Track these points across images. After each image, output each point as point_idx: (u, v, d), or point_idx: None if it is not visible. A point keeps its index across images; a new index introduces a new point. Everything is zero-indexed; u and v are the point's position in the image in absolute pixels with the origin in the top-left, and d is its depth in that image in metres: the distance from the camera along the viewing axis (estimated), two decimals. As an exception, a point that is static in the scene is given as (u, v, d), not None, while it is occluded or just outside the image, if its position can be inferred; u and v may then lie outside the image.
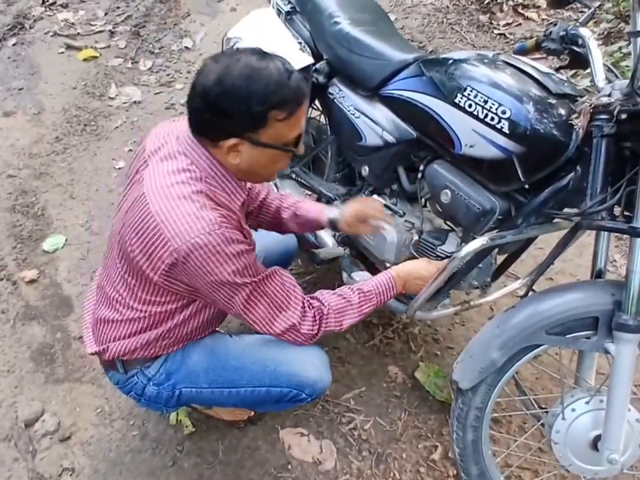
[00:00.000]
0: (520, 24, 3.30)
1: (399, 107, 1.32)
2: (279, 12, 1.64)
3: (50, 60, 3.41)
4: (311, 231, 1.54)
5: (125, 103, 2.98)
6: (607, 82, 1.08)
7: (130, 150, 2.66)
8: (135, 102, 2.98)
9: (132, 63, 3.30)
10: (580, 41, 1.14)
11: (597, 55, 1.10)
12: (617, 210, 1.07)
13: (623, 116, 1.00)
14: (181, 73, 3.16)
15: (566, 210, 1.18)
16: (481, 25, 3.27)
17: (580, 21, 1.19)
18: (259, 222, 1.46)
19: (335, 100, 1.51)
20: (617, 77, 1.13)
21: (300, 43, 1.55)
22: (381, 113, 1.38)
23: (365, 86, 1.42)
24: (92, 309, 1.26)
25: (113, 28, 3.66)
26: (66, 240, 2.20)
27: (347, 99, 1.47)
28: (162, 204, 0.99)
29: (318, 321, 1.15)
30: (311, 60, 1.49)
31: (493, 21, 3.30)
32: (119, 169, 2.55)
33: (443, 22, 3.33)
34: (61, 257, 2.13)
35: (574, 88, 1.14)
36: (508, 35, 3.18)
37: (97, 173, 2.53)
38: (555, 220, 1.19)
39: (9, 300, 1.97)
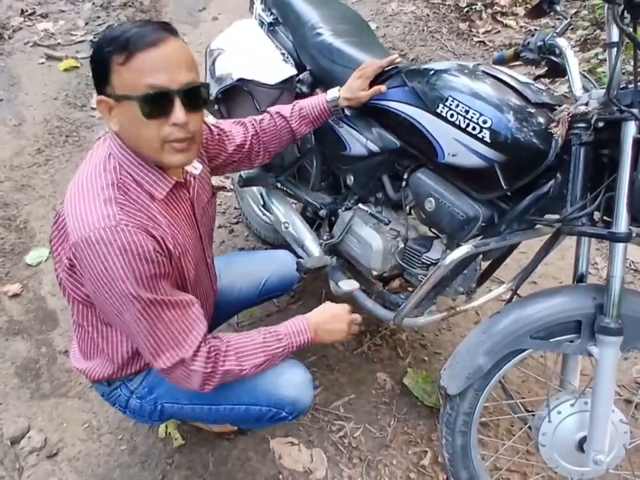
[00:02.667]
0: (499, 31, 3.36)
1: (383, 116, 1.34)
2: (262, 23, 1.65)
3: (30, 70, 3.39)
4: (321, 123, 1.42)
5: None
6: (584, 91, 1.11)
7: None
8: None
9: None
10: (557, 51, 1.16)
11: (574, 65, 1.12)
12: (597, 215, 1.10)
13: (600, 124, 1.03)
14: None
15: (547, 216, 1.20)
16: (460, 32, 3.33)
17: (557, 31, 1.21)
18: (270, 151, 1.40)
19: (319, 110, 1.52)
20: (592, 84, 1.16)
21: (283, 54, 1.56)
22: (365, 122, 1.39)
23: (349, 96, 1.43)
24: None
25: (94, 38, 3.64)
26: (49, 253, 2.17)
27: (330, 109, 1.49)
28: (73, 200, 0.95)
29: (213, 359, 1.02)
30: (294, 71, 1.50)
31: (472, 29, 3.36)
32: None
33: (423, 30, 3.38)
34: (45, 270, 2.11)
35: (552, 97, 1.16)
36: (487, 43, 3.24)
37: (80, 185, 2.51)
38: (537, 226, 1.21)
39: (-8, 314, 1.94)
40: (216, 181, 2.41)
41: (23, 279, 2.07)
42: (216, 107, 1.64)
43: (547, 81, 2.63)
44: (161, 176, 1.01)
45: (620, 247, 1.03)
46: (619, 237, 1.02)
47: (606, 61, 2.76)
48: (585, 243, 1.18)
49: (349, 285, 1.40)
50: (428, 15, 3.51)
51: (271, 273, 1.50)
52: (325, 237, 1.57)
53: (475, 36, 3.30)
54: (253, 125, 1.36)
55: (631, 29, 0.98)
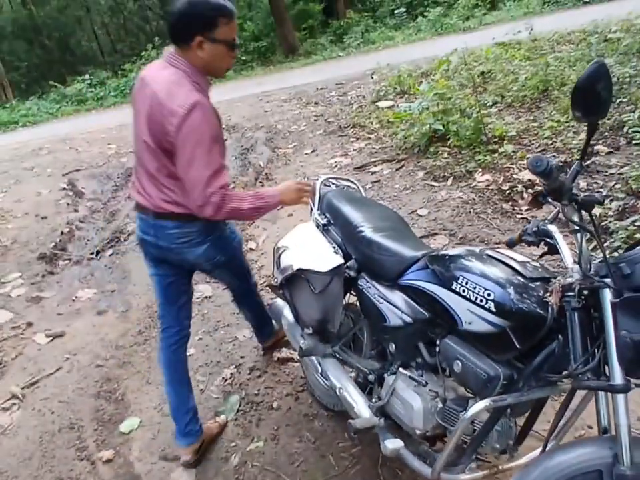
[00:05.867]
0: (542, 208, 3.70)
1: (413, 293, 1.62)
2: (318, 224, 2.08)
3: (139, 265, 4.06)
4: None
5: (197, 298, 3.46)
6: (575, 263, 1.35)
7: (200, 338, 3.03)
8: (206, 297, 3.47)
9: (205, 264, 3.89)
10: (550, 234, 1.44)
11: (563, 244, 1.37)
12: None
13: (586, 292, 1.25)
14: (244, 270, 3.68)
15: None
16: (504, 212, 3.70)
17: (548, 219, 1.50)
18: None
19: (364, 290, 1.84)
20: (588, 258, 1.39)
21: (334, 247, 1.94)
22: (400, 298, 1.68)
23: (386, 278, 1.74)
24: None
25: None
26: (140, 422, 2.47)
27: (372, 288, 1.80)
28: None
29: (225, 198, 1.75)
30: (341, 260, 1.85)
31: (515, 207, 3.73)
32: (189, 355, 2.88)
33: (470, 212, 3.80)
34: (135, 437, 2.38)
35: (547, 271, 1.41)
36: (530, 218, 3.55)
37: (171, 360, 2.88)
38: (553, 381, 1.36)
39: (87, 479, 2.19)
40: (284, 352, 2.70)
41: (116, 446, 2.34)
42: (281, 291, 2.01)
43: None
44: (206, 81, 1.83)
45: (620, 397, 1.16)
46: (617, 388, 1.16)
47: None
48: (602, 396, 1.30)
49: (393, 443, 1.55)
50: (474, 199, 3.96)
51: None
52: (373, 400, 1.76)
53: (518, 213, 3.66)
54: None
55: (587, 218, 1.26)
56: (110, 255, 4.40)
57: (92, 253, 4.43)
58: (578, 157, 1.31)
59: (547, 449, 1.39)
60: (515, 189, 3.91)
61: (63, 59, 22.27)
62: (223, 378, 2.65)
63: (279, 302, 2.26)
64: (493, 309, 1.34)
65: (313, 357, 2.01)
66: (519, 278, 1.37)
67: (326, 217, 2.09)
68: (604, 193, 3.41)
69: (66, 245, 4.70)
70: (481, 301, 1.37)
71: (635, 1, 7.52)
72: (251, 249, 3.99)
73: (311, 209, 2.19)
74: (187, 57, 1.74)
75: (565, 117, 4.81)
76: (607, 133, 4.45)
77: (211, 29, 1.69)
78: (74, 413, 2.58)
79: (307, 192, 2.01)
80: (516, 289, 1.34)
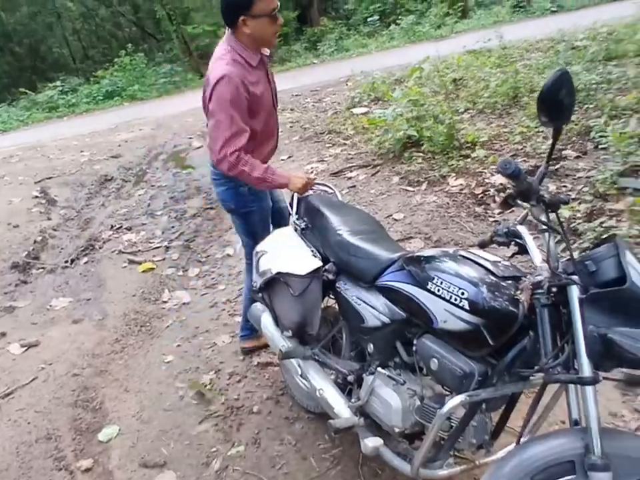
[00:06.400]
0: (513, 210, 3.79)
1: (390, 294, 1.66)
2: (296, 228, 2.11)
3: (114, 274, 4.04)
4: None
5: (175, 304, 3.46)
6: (544, 262, 1.40)
7: (178, 345, 3.02)
8: (184, 303, 3.46)
9: (183, 271, 3.89)
10: (519, 235, 1.49)
11: (532, 244, 1.43)
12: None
13: (554, 289, 1.30)
14: (223, 276, 3.68)
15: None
16: (477, 215, 3.79)
17: (517, 220, 1.56)
18: None
19: (342, 292, 1.87)
20: (555, 259, 1.45)
21: (312, 250, 1.97)
22: (377, 299, 1.71)
23: (364, 280, 1.78)
24: None
25: (169, 243, 4.36)
26: (119, 430, 2.44)
27: (350, 290, 1.83)
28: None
29: (241, 160, 2.05)
30: (320, 263, 1.88)
31: (487, 211, 3.82)
32: (168, 362, 2.89)
33: (444, 216, 3.87)
34: (114, 445, 2.36)
35: (518, 270, 1.47)
36: (502, 221, 3.64)
37: (149, 368, 2.87)
38: (525, 376, 1.41)
39: (65, 490, 2.16)
40: (264, 357, 2.71)
41: (94, 455, 2.31)
42: (260, 295, 2.03)
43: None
44: (254, 54, 2.11)
45: (589, 389, 1.21)
46: (586, 380, 1.21)
47: (612, 229, 3.07)
48: (572, 390, 1.34)
49: (373, 442, 1.58)
50: (448, 203, 4.04)
51: None
52: (353, 400, 1.79)
53: (490, 217, 3.75)
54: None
55: (555, 218, 1.31)
56: (85, 263, 4.34)
57: (66, 261, 4.36)
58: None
59: (521, 442, 1.43)
60: (487, 192, 4.01)
61: (34, 65, 21.79)
62: (203, 384, 2.64)
63: (259, 306, 2.28)
64: (466, 307, 1.39)
65: (293, 360, 2.03)
66: (491, 277, 1.41)
67: (304, 221, 2.12)
68: (572, 196, 3.52)
69: (39, 253, 4.62)
70: (455, 299, 1.41)
71: (600, 11, 7.79)
72: (228, 255, 3.99)
73: (289, 213, 2.22)
74: (237, 35, 2.07)
75: (535, 122, 4.94)
76: (575, 138, 4.59)
77: (249, 7, 1.97)
78: (51, 423, 2.54)
79: (312, 187, 2.27)
80: (488, 287, 1.38)
